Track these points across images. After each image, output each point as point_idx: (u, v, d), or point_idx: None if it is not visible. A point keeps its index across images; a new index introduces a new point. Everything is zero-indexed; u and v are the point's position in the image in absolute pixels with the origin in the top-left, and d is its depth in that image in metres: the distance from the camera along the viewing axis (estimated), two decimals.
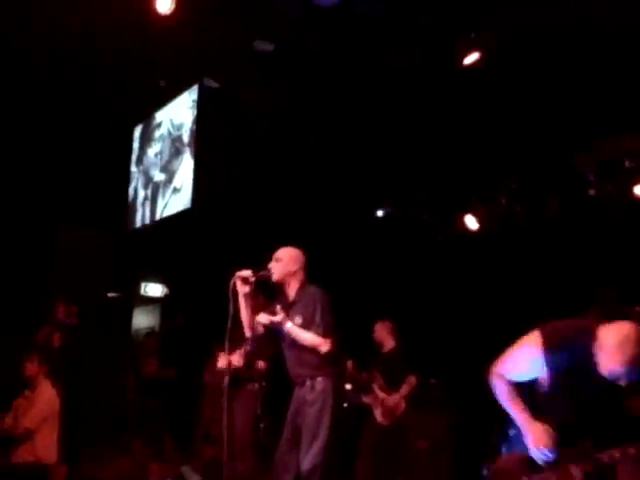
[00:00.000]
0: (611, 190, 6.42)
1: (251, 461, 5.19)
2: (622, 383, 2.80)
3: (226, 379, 4.49)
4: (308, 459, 4.10)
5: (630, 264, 6.28)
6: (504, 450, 3.24)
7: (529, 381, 3.10)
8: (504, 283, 7.29)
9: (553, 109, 6.21)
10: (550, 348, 2.92)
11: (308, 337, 4.21)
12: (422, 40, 6.22)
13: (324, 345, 4.18)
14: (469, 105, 6.53)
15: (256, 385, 5.62)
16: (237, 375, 5.25)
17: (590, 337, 2.85)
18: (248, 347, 5.00)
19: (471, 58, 6.02)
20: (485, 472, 4.28)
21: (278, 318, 4.23)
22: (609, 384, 2.85)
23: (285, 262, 4.43)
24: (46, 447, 5.29)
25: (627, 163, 6.24)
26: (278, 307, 4.32)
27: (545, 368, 2.95)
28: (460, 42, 6.05)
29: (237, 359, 5.19)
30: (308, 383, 4.24)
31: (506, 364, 3.15)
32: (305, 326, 4.28)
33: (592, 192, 6.46)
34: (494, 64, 6.04)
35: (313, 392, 4.22)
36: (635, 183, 6.24)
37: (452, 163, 7.24)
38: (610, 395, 2.91)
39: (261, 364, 5.26)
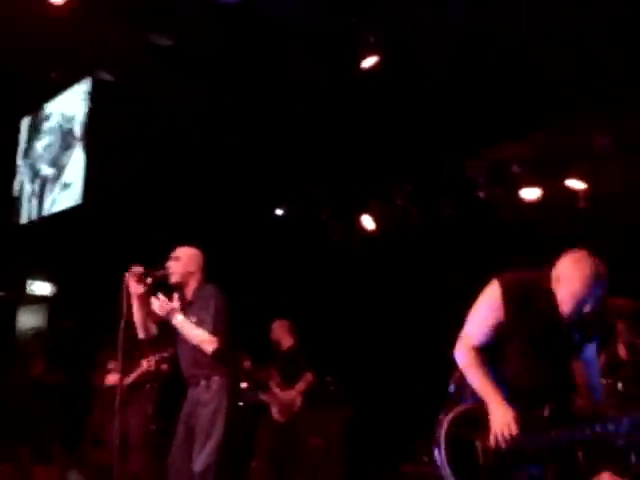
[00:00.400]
0: (499, 193, 6.70)
1: (144, 462, 5.07)
2: (587, 310, 2.68)
3: (117, 398, 4.35)
4: (201, 459, 4.04)
5: (514, 262, 6.57)
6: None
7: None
8: (399, 282, 7.47)
9: (447, 113, 6.42)
10: (509, 295, 2.82)
11: (195, 333, 4.11)
12: (322, 41, 6.30)
13: (210, 343, 4.09)
14: (367, 107, 6.65)
15: (148, 386, 5.52)
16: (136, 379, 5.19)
17: (547, 280, 2.76)
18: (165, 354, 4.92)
19: (369, 61, 6.14)
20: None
21: (173, 305, 4.11)
22: (569, 335, 2.80)
23: (185, 262, 4.35)
24: None
25: (514, 168, 6.52)
26: (176, 296, 4.21)
27: (505, 319, 2.83)
28: (359, 45, 6.16)
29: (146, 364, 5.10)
30: (203, 383, 4.17)
31: (469, 326, 2.99)
32: (199, 325, 4.22)
33: (482, 194, 6.71)
34: (391, 67, 6.18)
35: (208, 392, 4.15)
36: (521, 187, 6.54)
37: (350, 164, 7.34)
38: (570, 346, 2.84)
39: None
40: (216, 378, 4.16)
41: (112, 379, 5.34)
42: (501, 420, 2.74)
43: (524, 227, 6.58)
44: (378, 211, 7.56)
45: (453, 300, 6.67)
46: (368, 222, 7.61)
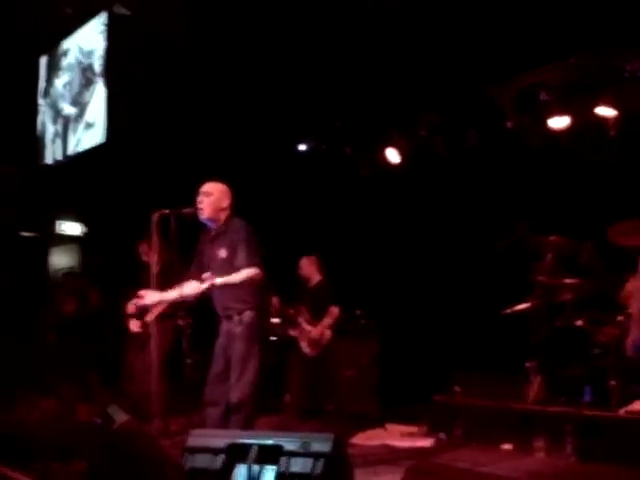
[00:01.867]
0: (527, 122, 6.56)
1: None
2: None
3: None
4: (238, 391, 4.17)
5: (544, 194, 6.52)
6: None
7: None
8: (425, 215, 7.44)
9: (471, 41, 6.25)
10: None
11: (238, 277, 4.17)
12: None
13: (255, 274, 4.17)
14: (389, 38, 6.49)
15: (180, 321, 5.61)
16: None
17: None
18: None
19: None
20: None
21: (207, 284, 4.16)
22: None
23: (216, 197, 4.37)
24: None
25: (542, 96, 6.37)
26: (206, 275, 4.22)
27: None
28: None
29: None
30: (236, 317, 4.27)
31: None
32: (230, 259, 4.27)
33: (509, 124, 6.58)
34: None
35: (241, 325, 4.25)
36: (550, 115, 6.40)
37: (373, 96, 7.21)
38: None
39: None
40: (248, 312, 4.26)
41: (134, 325, 5.41)
42: None
43: (553, 157, 6.48)
44: (403, 143, 7.46)
45: (480, 230, 6.72)
46: (393, 155, 7.52)
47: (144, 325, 5.24)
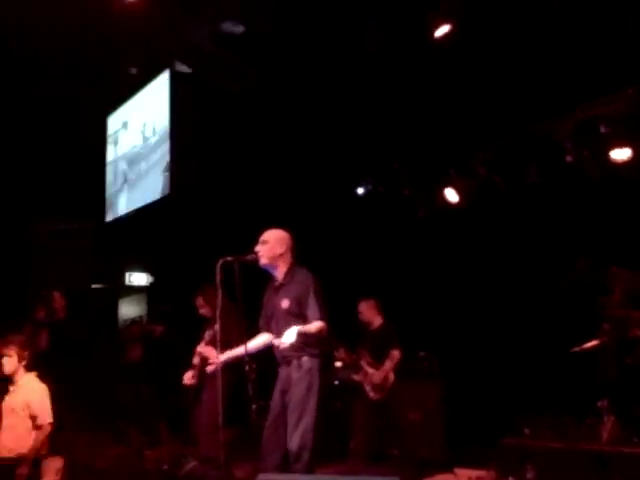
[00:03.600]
0: (587, 156, 6.46)
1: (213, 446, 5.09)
2: None
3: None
4: (296, 438, 4.13)
5: (610, 228, 6.37)
6: None
7: None
8: (488, 254, 7.34)
9: (527, 78, 6.24)
10: None
11: (311, 330, 4.18)
12: (395, 15, 6.23)
13: (323, 328, 4.20)
14: (443, 78, 6.54)
15: (245, 367, 5.63)
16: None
17: None
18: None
19: (442, 30, 6.04)
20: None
21: (283, 344, 4.16)
22: None
23: (272, 244, 4.41)
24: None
25: (602, 128, 6.28)
26: (277, 341, 4.26)
27: None
28: (430, 15, 6.06)
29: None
30: (295, 362, 4.26)
31: None
32: (293, 309, 4.30)
33: (569, 159, 6.50)
34: (465, 35, 6.05)
35: (300, 371, 4.24)
36: (611, 148, 6.29)
37: (429, 136, 7.25)
38: None
39: None
40: (306, 358, 4.24)
41: (187, 378, 5.49)
42: None
43: (615, 189, 6.34)
44: (461, 183, 7.43)
45: (545, 269, 6.58)
46: (451, 195, 7.49)
47: (198, 376, 5.32)
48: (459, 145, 7.26)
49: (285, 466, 4.16)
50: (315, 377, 4.22)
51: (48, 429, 5.15)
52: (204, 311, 5.80)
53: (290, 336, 4.10)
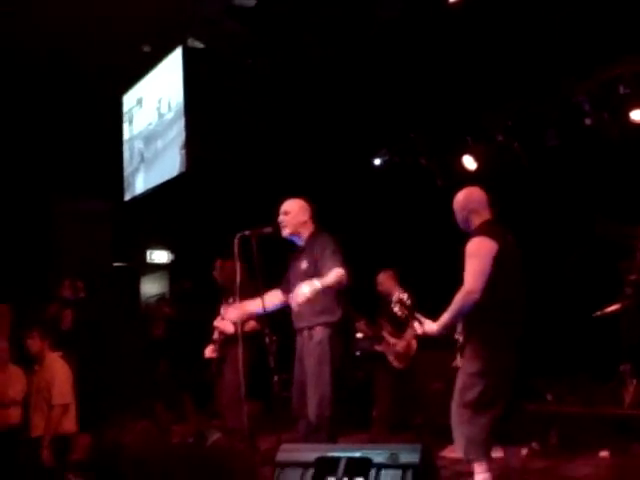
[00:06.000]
0: (607, 118, 6.36)
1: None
2: None
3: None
4: (313, 408, 4.17)
5: (629, 190, 6.27)
6: None
7: None
8: (508, 221, 7.26)
9: (544, 40, 6.13)
10: None
11: (328, 279, 4.04)
12: None
13: (342, 275, 4.06)
14: (458, 43, 6.44)
15: (266, 339, 5.66)
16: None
17: None
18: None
19: None
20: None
21: (300, 299, 4.03)
22: None
23: (294, 213, 4.44)
24: (67, 418, 5.38)
25: (621, 89, 6.15)
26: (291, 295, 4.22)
27: None
28: None
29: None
30: (306, 333, 4.28)
31: None
32: (310, 269, 4.26)
33: (588, 121, 6.39)
34: None
35: (311, 342, 4.25)
36: (631, 109, 6.17)
37: (445, 104, 7.16)
38: None
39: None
40: (319, 328, 4.22)
41: (208, 351, 5.52)
42: None
43: (636, 151, 6.23)
44: (479, 150, 7.34)
45: (566, 234, 6.51)
46: (469, 162, 7.41)
47: (219, 350, 5.36)
48: (476, 111, 7.16)
49: (309, 435, 4.21)
50: (326, 348, 4.18)
51: (58, 411, 5.25)
52: (218, 275, 5.78)
53: (304, 289, 3.95)
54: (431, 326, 3.81)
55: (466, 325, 3.80)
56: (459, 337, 3.86)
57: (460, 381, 3.73)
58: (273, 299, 4.49)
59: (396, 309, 3.91)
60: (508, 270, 3.76)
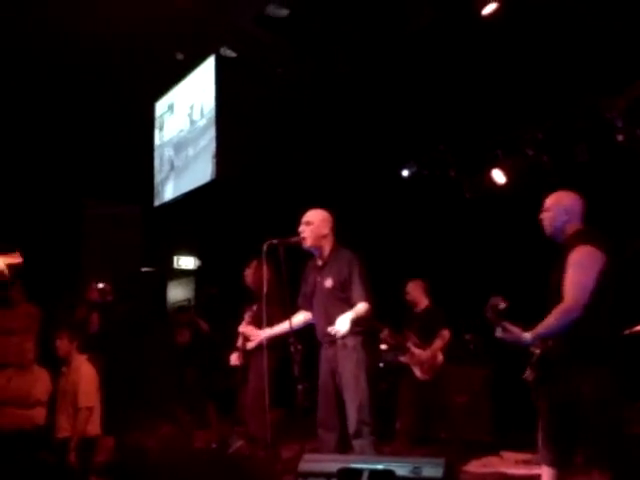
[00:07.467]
0: (639, 134, 6.29)
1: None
2: None
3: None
4: (353, 414, 4.17)
5: None
6: None
7: None
8: (536, 236, 7.21)
9: (576, 55, 6.09)
10: None
11: (358, 314, 4.23)
12: None
13: (368, 310, 4.27)
14: (490, 57, 6.43)
15: (291, 348, 5.68)
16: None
17: None
18: None
19: (490, 8, 5.93)
20: None
21: (339, 332, 4.21)
22: None
23: (316, 225, 4.43)
24: (92, 420, 5.44)
25: None
26: (331, 328, 4.26)
27: None
28: None
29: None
30: (339, 342, 4.28)
31: None
32: (336, 289, 4.32)
33: (620, 138, 6.33)
34: (514, 12, 5.92)
35: (346, 349, 4.27)
36: None
37: (475, 117, 7.14)
38: None
39: None
40: (350, 337, 4.25)
41: (234, 359, 5.55)
42: None
43: None
44: (508, 164, 7.31)
45: None
46: (499, 176, 7.38)
47: (243, 357, 5.39)
48: (506, 125, 7.13)
49: (343, 446, 4.22)
50: (361, 353, 4.27)
51: (85, 413, 5.30)
52: (249, 280, 5.80)
53: (344, 324, 4.16)
54: (525, 335, 3.65)
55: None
56: (535, 350, 3.73)
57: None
58: (298, 321, 4.55)
59: (488, 314, 3.86)
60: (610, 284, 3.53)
